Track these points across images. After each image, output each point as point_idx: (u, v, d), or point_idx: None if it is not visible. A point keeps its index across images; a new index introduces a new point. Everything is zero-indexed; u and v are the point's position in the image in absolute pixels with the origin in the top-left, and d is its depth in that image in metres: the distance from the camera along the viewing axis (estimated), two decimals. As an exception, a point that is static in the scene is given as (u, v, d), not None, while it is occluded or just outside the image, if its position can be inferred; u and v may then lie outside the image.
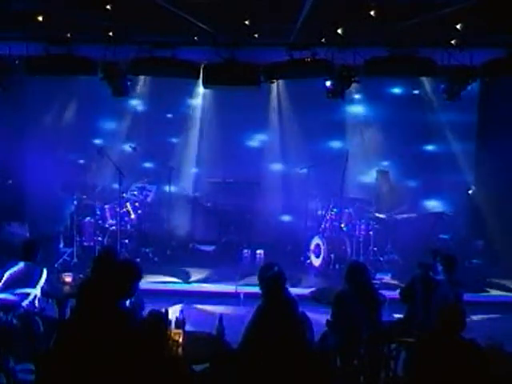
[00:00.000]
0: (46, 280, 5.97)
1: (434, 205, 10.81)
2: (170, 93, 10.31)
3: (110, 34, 7.88)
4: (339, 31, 7.32)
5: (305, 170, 10.07)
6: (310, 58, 7.99)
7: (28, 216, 10.63)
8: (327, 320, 5.79)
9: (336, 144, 10.77)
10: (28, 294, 5.82)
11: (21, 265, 5.92)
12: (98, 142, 10.65)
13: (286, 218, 11.17)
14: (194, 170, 11.19)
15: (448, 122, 10.65)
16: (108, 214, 9.84)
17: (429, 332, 4.69)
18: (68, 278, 6.71)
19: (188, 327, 5.13)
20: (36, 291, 5.87)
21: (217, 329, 4.96)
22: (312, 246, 10.02)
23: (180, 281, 9.15)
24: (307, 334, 4.80)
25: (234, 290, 8.70)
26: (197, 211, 11.11)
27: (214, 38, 7.91)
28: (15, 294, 5.81)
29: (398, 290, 6.62)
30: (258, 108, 10.70)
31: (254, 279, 5.56)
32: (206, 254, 10.60)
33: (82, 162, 10.57)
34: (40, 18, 6.98)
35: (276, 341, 4.46)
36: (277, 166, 11.15)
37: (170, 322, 4.98)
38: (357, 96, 10.59)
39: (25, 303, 5.79)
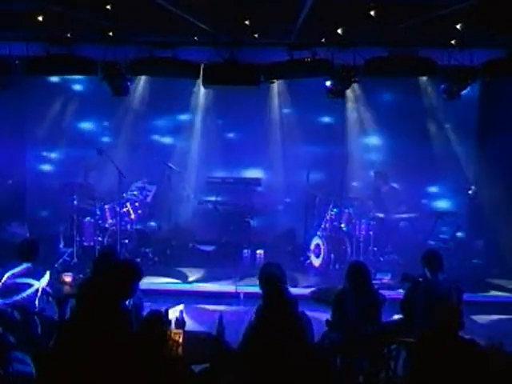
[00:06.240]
0: (48, 281, 5.97)
1: (434, 205, 10.81)
2: (171, 92, 10.30)
3: (110, 34, 7.88)
4: (339, 31, 7.32)
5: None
6: (309, 58, 7.99)
7: (28, 216, 10.63)
8: (327, 320, 5.79)
9: (336, 144, 10.75)
10: (31, 285, 5.81)
11: (23, 266, 5.91)
12: (97, 141, 10.63)
13: (286, 217, 11.16)
14: (193, 170, 11.17)
15: (448, 122, 10.66)
16: (108, 214, 9.83)
17: (428, 331, 4.69)
18: (68, 278, 6.70)
19: (188, 327, 5.13)
20: (39, 284, 5.84)
21: (217, 329, 4.96)
22: (312, 246, 10.02)
23: (180, 281, 9.15)
24: (307, 334, 4.80)
25: (234, 290, 8.71)
26: (197, 211, 11.11)
27: (214, 38, 7.91)
28: (17, 284, 5.80)
29: (397, 291, 6.63)
30: (258, 108, 10.70)
31: (254, 279, 5.56)
32: (205, 254, 10.59)
33: (81, 161, 10.55)
34: (40, 18, 6.97)
35: (276, 340, 4.46)
36: (276, 166, 11.14)
37: (170, 321, 4.99)
38: (357, 96, 10.58)
39: (26, 293, 5.77)
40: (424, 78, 9.93)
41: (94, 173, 10.27)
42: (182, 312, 5.21)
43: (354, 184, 10.73)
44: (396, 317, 6.53)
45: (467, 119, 10.57)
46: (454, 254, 9.29)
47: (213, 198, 10.81)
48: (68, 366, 4.18)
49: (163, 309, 4.87)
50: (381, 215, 9.90)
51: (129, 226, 9.95)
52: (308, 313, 5.08)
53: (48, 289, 5.95)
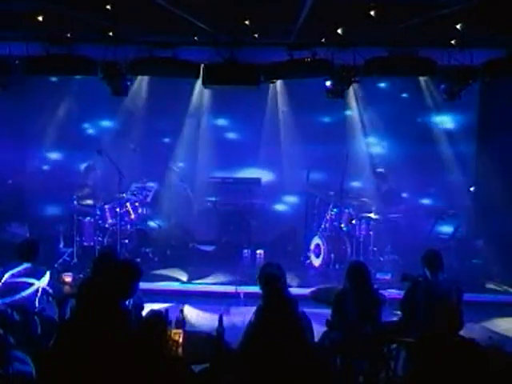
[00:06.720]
0: (48, 281, 5.97)
1: (434, 205, 10.81)
2: (171, 92, 10.31)
3: (110, 34, 7.88)
4: (339, 31, 7.32)
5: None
6: (309, 58, 7.99)
7: (28, 216, 10.63)
8: (327, 320, 5.80)
9: (336, 144, 10.76)
10: (31, 284, 5.81)
11: (23, 266, 5.91)
12: (97, 141, 10.63)
13: (286, 217, 11.17)
14: (193, 170, 11.17)
15: (448, 122, 10.67)
16: (108, 214, 9.82)
17: (428, 332, 4.69)
18: (68, 278, 6.71)
19: (188, 327, 5.13)
20: (40, 284, 5.84)
21: (217, 329, 4.96)
22: (312, 246, 10.02)
23: (180, 281, 9.16)
24: (307, 334, 4.80)
25: (234, 290, 8.71)
26: (197, 211, 11.10)
27: (214, 37, 7.91)
28: (17, 283, 5.80)
29: (397, 291, 6.63)
30: (258, 108, 10.70)
31: (254, 279, 5.56)
32: (205, 254, 10.59)
33: (81, 162, 10.55)
34: (40, 18, 6.97)
35: (276, 340, 4.46)
36: (276, 166, 11.15)
37: (170, 321, 4.99)
38: (357, 96, 10.58)
39: (26, 293, 5.77)
40: (424, 78, 9.93)
41: (94, 173, 10.27)
42: (182, 312, 5.21)
43: (354, 184, 10.73)
44: (396, 317, 6.54)
45: (467, 119, 10.58)
46: (454, 254, 9.30)
47: (213, 198, 10.81)
48: (68, 366, 4.18)
49: (163, 309, 4.88)
50: (381, 215, 9.90)
51: (129, 226, 9.95)
52: (308, 313, 5.09)
53: (48, 288, 5.95)
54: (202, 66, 8.23)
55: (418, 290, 5.92)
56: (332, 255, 9.72)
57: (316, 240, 9.96)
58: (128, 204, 9.99)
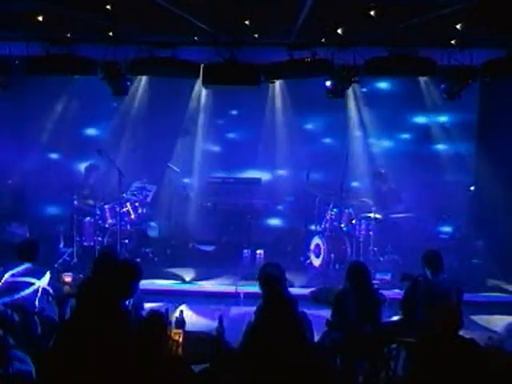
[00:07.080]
0: (48, 281, 5.97)
1: (434, 205, 10.80)
2: (171, 92, 10.31)
3: (110, 34, 7.88)
4: (339, 31, 7.32)
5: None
6: (309, 57, 8.00)
7: (28, 216, 10.62)
8: (327, 320, 5.80)
9: (336, 144, 10.76)
10: (31, 284, 5.81)
11: (24, 266, 5.91)
12: (97, 141, 10.63)
13: (286, 217, 11.16)
14: (194, 170, 11.18)
15: (448, 122, 10.67)
16: (108, 214, 9.82)
17: (428, 332, 4.69)
18: (68, 278, 6.73)
19: (188, 327, 5.13)
20: (40, 283, 5.84)
21: (217, 329, 4.97)
22: (312, 246, 10.02)
23: (180, 281, 9.16)
24: (307, 334, 4.80)
25: (234, 290, 8.71)
26: (197, 211, 11.11)
27: (214, 37, 7.92)
28: (17, 282, 5.80)
29: (396, 291, 6.63)
30: (258, 108, 10.71)
31: (254, 279, 5.56)
32: (205, 254, 10.59)
33: (81, 161, 10.55)
34: (40, 18, 6.98)
35: (276, 340, 4.46)
36: (276, 166, 11.15)
37: (170, 322, 4.99)
38: (357, 96, 10.58)
39: (26, 292, 5.77)
40: (424, 78, 9.93)
41: (96, 173, 10.26)
42: (182, 312, 5.21)
43: (354, 184, 10.73)
44: (396, 317, 6.55)
45: (467, 119, 10.58)
46: (453, 254, 9.29)
47: (213, 198, 10.81)
48: (68, 366, 4.18)
49: (163, 309, 4.88)
50: (380, 215, 9.89)
51: (129, 226, 9.94)
52: (308, 313, 5.09)
53: (48, 288, 5.94)
54: (202, 65, 8.24)
55: (417, 289, 5.93)
56: (332, 255, 9.71)
57: (316, 240, 9.96)
58: (128, 204, 9.98)
